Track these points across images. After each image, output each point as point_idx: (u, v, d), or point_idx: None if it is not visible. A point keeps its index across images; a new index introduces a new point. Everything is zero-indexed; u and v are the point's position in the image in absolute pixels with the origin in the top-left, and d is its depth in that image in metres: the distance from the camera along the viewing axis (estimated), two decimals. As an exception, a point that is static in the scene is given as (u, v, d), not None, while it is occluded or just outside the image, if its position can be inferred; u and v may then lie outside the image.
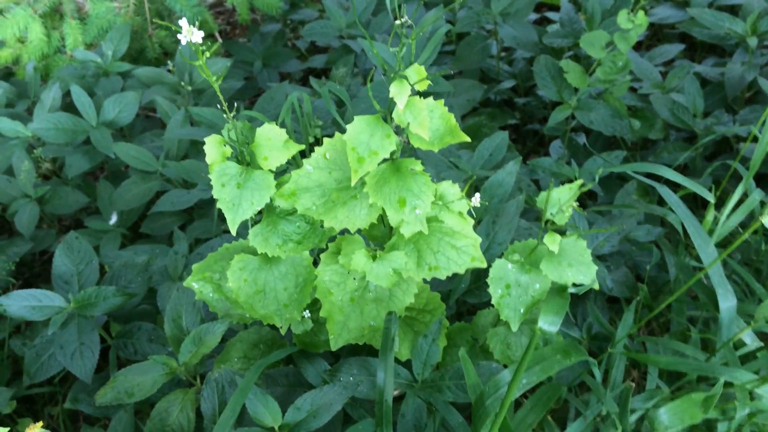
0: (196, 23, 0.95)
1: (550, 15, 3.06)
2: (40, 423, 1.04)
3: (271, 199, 1.09)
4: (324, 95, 1.47)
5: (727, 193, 1.66)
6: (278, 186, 1.09)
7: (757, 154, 1.20)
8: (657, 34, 3.07)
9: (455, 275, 1.47)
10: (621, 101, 2.17)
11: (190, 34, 0.89)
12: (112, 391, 1.43)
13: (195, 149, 2.43)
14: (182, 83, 2.59)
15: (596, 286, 1.12)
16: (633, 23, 2.13)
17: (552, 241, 1.07)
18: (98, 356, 1.63)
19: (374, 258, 1.10)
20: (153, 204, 2.54)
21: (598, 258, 1.57)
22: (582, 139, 2.41)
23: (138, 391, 1.42)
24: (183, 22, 0.90)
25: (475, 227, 1.50)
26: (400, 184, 1.01)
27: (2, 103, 2.68)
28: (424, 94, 2.22)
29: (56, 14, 3.15)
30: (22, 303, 1.64)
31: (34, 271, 2.66)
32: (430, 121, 1.02)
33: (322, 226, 1.14)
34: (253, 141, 1.06)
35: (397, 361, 1.33)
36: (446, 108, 1.04)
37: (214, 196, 1.03)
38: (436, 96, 2.19)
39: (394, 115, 0.95)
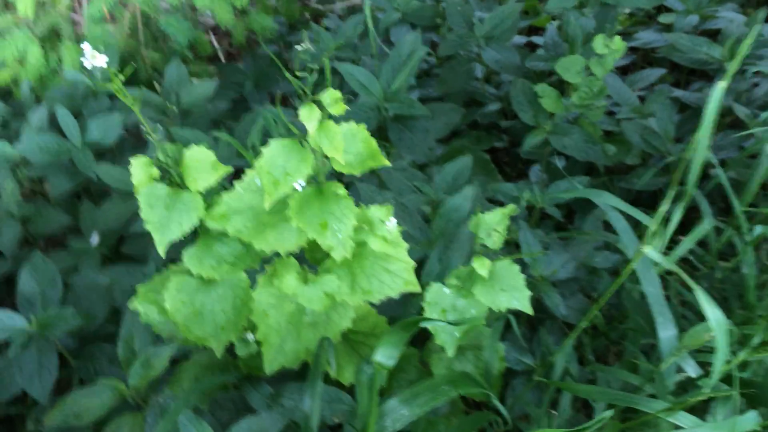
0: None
1: (538, 39, 3.07)
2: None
3: (203, 221, 1.09)
4: (267, 120, 1.46)
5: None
6: (210, 207, 1.09)
7: (691, 179, 1.18)
8: (647, 58, 3.06)
9: (409, 298, 1.46)
10: (596, 126, 2.15)
11: (93, 58, 0.90)
12: (61, 414, 1.42)
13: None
14: (168, 104, 2.62)
15: (530, 311, 1.11)
16: (609, 48, 2.12)
17: (481, 266, 1.06)
18: (56, 377, 1.63)
19: (306, 281, 1.10)
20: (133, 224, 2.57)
21: (553, 284, 1.55)
22: (562, 163, 2.40)
23: (87, 414, 1.42)
24: (86, 47, 0.91)
25: (429, 251, 1.50)
26: (323, 207, 1.01)
27: (-8, 125, 2.73)
28: (399, 119, 2.23)
29: (54, 36, 3.21)
30: (-17, 322, 1.65)
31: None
32: (351, 144, 1.02)
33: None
34: (182, 161, 1.07)
35: (341, 386, 1.32)
36: (367, 133, 1.04)
37: (142, 217, 1.04)
38: (412, 120, 2.19)
39: (308, 139, 0.95)
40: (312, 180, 1.03)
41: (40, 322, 1.65)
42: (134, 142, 2.97)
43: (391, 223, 1.10)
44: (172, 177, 1.07)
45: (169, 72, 2.75)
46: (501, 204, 2.04)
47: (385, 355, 0.96)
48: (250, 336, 1.29)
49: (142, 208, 1.04)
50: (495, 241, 1.09)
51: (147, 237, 2.34)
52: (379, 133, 2.41)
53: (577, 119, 2.28)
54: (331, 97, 0.96)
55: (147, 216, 1.04)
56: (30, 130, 2.57)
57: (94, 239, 2.43)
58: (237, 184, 1.10)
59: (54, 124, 2.67)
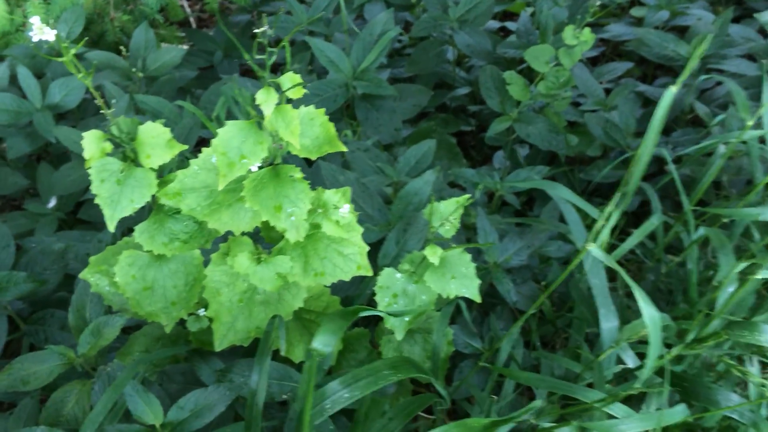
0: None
1: (509, 24, 3.07)
2: None
3: (156, 197, 1.09)
4: (232, 93, 1.45)
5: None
6: (164, 184, 1.08)
7: (636, 174, 1.21)
8: (616, 50, 3.09)
9: (362, 279, 1.47)
10: (561, 116, 2.18)
11: (41, 32, 0.88)
12: (8, 378, 1.42)
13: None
14: (134, 69, 2.57)
15: (477, 299, 1.13)
16: (578, 40, 2.14)
17: (432, 254, 1.08)
18: (5, 341, 1.62)
19: (259, 261, 1.10)
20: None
21: (506, 271, 1.58)
22: (525, 151, 2.43)
23: (34, 380, 1.41)
24: (35, 20, 0.89)
25: (386, 234, 1.51)
26: (278, 190, 1.01)
27: (-50, 80, 2.64)
28: (366, 97, 2.23)
29: (20, -8, 3.11)
30: (-69, 285, 1.62)
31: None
32: (309, 129, 1.02)
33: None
34: (137, 137, 1.06)
35: (291, 363, 1.33)
36: (326, 117, 1.04)
37: (92, 191, 1.03)
38: (380, 99, 2.19)
39: (265, 122, 0.95)
40: (269, 162, 1.03)
41: (-10, 286, 1.62)
42: (97, 105, 2.92)
43: (344, 209, 1.10)
44: (126, 152, 1.06)
45: (136, 36, 2.69)
46: (462, 189, 2.06)
47: (322, 342, 0.97)
48: (201, 311, 1.29)
49: (93, 182, 1.03)
50: (448, 230, 1.11)
51: (106, 204, 2.34)
52: (346, 111, 2.41)
53: (542, 108, 2.30)
54: (289, 79, 0.96)
55: (98, 190, 1.03)
56: (-11, 87, 2.50)
57: (52, 203, 2.40)
58: (192, 162, 1.09)
59: (15, 85, 2.60)
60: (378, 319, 1.49)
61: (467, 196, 1.11)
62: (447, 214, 1.09)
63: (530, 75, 2.69)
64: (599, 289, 1.19)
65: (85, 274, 1.30)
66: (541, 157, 2.34)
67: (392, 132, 2.16)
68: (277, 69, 3.50)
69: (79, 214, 2.36)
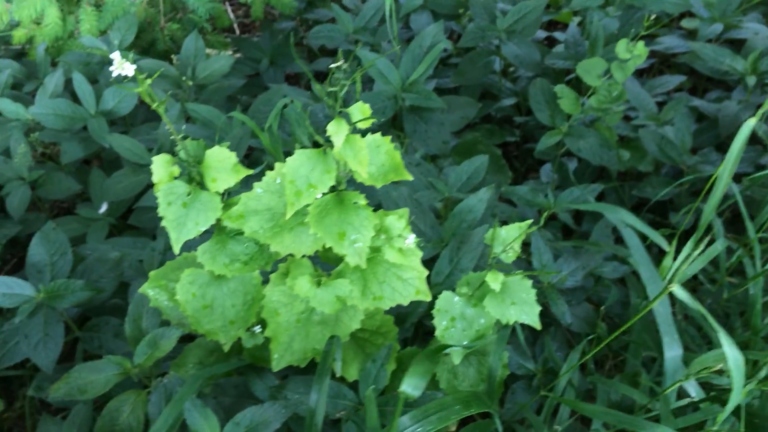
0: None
1: (558, 35, 3.04)
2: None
3: (220, 220, 1.10)
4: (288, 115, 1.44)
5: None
6: (228, 206, 1.09)
7: (713, 201, 1.18)
8: (666, 61, 3.04)
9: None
10: (612, 131, 2.15)
11: (120, 67, 0.90)
12: (66, 387, 1.45)
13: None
14: (183, 77, 2.61)
15: (538, 326, 1.12)
16: (632, 53, 2.11)
17: (494, 280, 1.07)
18: (62, 348, 1.65)
19: (319, 284, 1.11)
20: (143, 195, 2.57)
21: (560, 292, 1.56)
22: (573, 164, 2.40)
23: (91, 389, 1.44)
24: (115, 56, 0.90)
25: (440, 252, 1.50)
26: (342, 217, 1.01)
27: (8, 84, 2.72)
28: (415, 110, 2.22)
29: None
30: (-7, 289, 1.67)
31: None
32: (375, 156, 1.02)
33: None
34: (203, 160, 1.07)
35: (345, 382, 1.34)
36: (393, 145, 1.04)
37: (159, 214, 1.04)
38: (428, 111, 2.19)
39: (334, 151, 0.95)
40: (332, 188, 1.03)
41: (48, 292, 1.66)
42: (147, 112, 2.97)
43: (410, 239, 1.10)
44: (191, 174, 1.07)
45: (186, 44, 2.73)
46: (513, 204, 2.04)
47: (412, 386, 0.98)
48: (257, 327, 1.30)
49: (160, 205, 1.05)
50: (510, 256, 1.10)
51: (155, 209, 2.38)
52: (394, 123, 2.41)
53: (593, 122, 2.27)
54: (359, 110, 0.96)
55: (164, 213, 1.05)
56: (45, 94, 2.57)
57: (103, 208, 2.45)
58: (256, 185, 1.10)
59: (69, 90, 2.67)
60: (430, 336, 1.49)
61: (529, 221, 1.10)
62: (509, 239, 1.08)
63: (578, 86, 2.66)
64: (663, 317, 1.17)
65: (144, 289, 1.32)
66: (590, 171, 2.31)
67: (440, 145, 2.16)
68: (321, 77, 3.52)
69: (130, 219, 2.41)
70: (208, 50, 3.10)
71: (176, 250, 1.05)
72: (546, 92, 2.21)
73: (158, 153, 2.39)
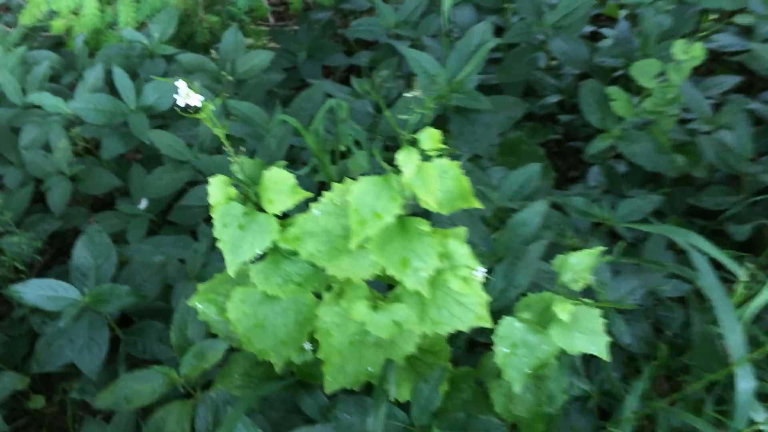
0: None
1: (606, 31, 2.93)
2: None
3: (275, 241, 1.06)
4: (344, 134, 1.39)
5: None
6: (284, 227, 1.06)
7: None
8: (717, 59, 2.92)
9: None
10: (667, 135, 2.07)
11: (186, 97, 0.85)
12: (112, 396, 1.44)
13: (229, 142, 2.43)
14: (223, 72, 2.58)
15: (606, 357, 1.07)
16: (688, 54, 2.02)
17: (562, 310, 1.02)
18: (106, 352, 1.65)
19: (375, 308, 1.07)
20: (184, 192, 2.56)
21: (618, 311, 1.50)
22: (622, 167, 2.32)
23: (137, 399, 1.43)
24: (180, 84, 0.86)
25: (493, 267, 1.46)
26: (405, 244, 0.97)
27: (47, 77, 2.71)
28: (461, 110, 2.17)
29: (112, -11, 3.17)
30: (38, 292, 1.66)
31: (67, 242, 2.71)
32: (442, 183, 0.97)
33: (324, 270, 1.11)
34: (260, 181, 1.04)
35: (396, 402, 1.30)
36: (460, 170, 0.99)
37: (215, 236, 1.01)
38: (475, 113, 2.13)
39: (404, 183, 0.91)
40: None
41: (93, 296, 1.66)
42: (185, 106, 2.94)
43: (479, 271, 1.05)
44: (248, 195, 1.04)
45: (226, 38, 2.70)
46: (561, 211, 1.98)
47: None
48: (307, 345, 1.27)
49: (216, 227, 1.02)
50: (579, 284, 1.05)
51: (195, 206, 2.36)
52: (438, 123, 2.35)
53: (645, 125, 2.19)
54: (430, 137, 0.91)
55: (220, 234, 1.01)
56: (84, 88, 2.55)
57: (143, 204, 2.44)
58: (313, 206, 1.06)
59: (108, 84, 2.65)
60: (480, 349, 1.44)
61: (600, 249, 1.04)
62: (579, 267, 1.03)
63: (628, 85, 2.57)
64: (736, 348, 1.11)
65: (193, 302, 1.30)
66: (640, 175, 2.23)
67: (486, 147, 2.10)
68: (363, 72, 3.46)
69: (170, 216, 2.39)
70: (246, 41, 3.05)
71: (231, 272, 1.02)
72: (597, 94, 2.14)
73: (199, 150, 2.39)
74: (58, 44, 3.30)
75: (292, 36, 3.12)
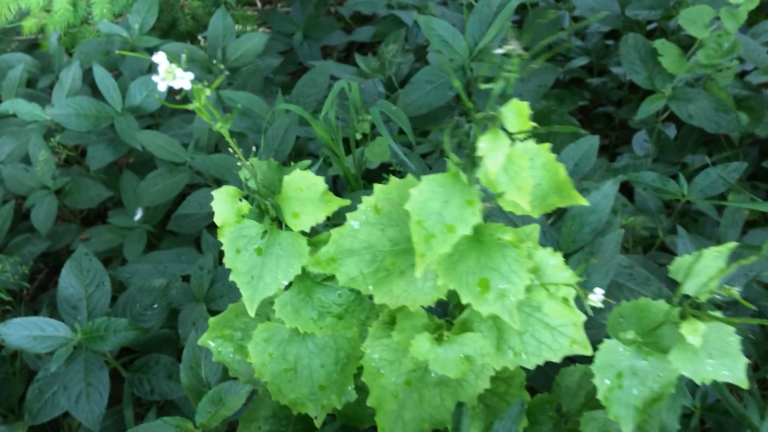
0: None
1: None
2: None
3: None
4: (376, 117, 1.11)
5: None
6: (313, 246, 0.81)
7: None
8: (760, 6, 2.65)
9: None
10: (726, 91, 1.81)
11: (170, 77, 0.60)
12: (119, 457, 1.20)
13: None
14: (214, 61, 2.31)
15: (744, 385, 0.83)
16: (745, -4, 1.76)
17: (693, 332, 0.78)
18: (107, 398, 1.41)
19: (440, 340, 0.83)
20: (182, 197, 2.31)
21: (716, 306, 1.26)
22: (671, 131, 2.07)
23: (149, 458, 1.19)
24: (160, 58, 0.61)
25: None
26: (483, 260, 0.73)
27: (22, 81, 2.45)
28: (485, 82, 1.91)
29: (83, -18, 2.90)
30: (23, 332, 1.42)
31: (61, 260, 2.47)
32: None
33: (371, 297, 0.86)
34: (279, 189, 0.79)
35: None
36: (552, 155, 0.74)
37: (226, 266, 0.76)
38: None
39: (480, 177, 0.66)
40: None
41: (86, 333, 1.42)
42: (175, 101, 2.68)
43: (599, 294, 0.80)
44: (264, 207, 0.79)
45: (213, 23, 2.42)
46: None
47: None
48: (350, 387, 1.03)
49: (227, 254, 0.77)
50: (705, 295, 0.81)
51: (197, 215, 2.11)
52: (458, 99, 2.09)
53: (697, 81, 1.93)
54: (515, 111, 0.66)
55: (232, 264, 0.77)
56: (62, 90, 2.29)
57: (138, 214, 2.19)
58: (350, 216, 0.81)
59: (88, 83, 2.39)
60: (554, 367, 1.20)
61: (732, 245, 0.80)
62: (711, 274, 0.79)
63: (668, 40, 2.31)
64: None
65: (204, 340, 1.05)
66: (693, 139, 1.97)
67: (520, 121, 1.83)
68: (363, 49, 3.19)
69: (169, 225, 2.15)
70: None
71: (251, 311, 0.77)
72: (641, 50, 1.87)
73: (195, 149, 2.13)
74: (33, 46, 3.04)
75: (284, 16, 2.85)
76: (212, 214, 2.07)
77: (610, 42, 2.62)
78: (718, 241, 1.46)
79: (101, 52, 2.50)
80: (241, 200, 0.76)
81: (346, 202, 0.80)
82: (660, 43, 1.81)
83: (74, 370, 1.40)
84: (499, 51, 0.63)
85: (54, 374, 1.46)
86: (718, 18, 1.79)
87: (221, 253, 1.96)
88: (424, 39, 2.61)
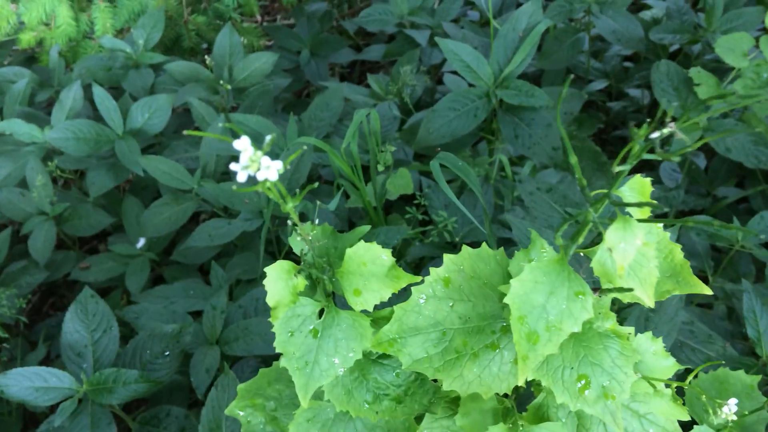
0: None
1: (651, 1, 2.59)
2: None
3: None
4: (436, 171, 0.99)
5: None
6: (373, 324, 0.71)
7: None
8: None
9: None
10: (765, 123, 1.73)
11: (254, 167, 0.49)
12: None
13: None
14: (221, 81, 2.21)
15: None
16: (785, 24, 1.69)
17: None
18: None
19: (513, 430, 0.73)
20: (186, 225, 2.20)
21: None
22: (701, 160, 1.99)
23: None
24: (243, 143, 0.51)
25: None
26: (582, 352, 0.63)
27: (25, 98, 2.33)
28: (512, 109, 1.82)
29: (85, -4, 2.79)
30: (25, 384, 1.31)
31: (55, 282, 2.35)
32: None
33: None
34: (334, 258, 0.69)
35: None
36: (666, 234, 0.65)
37: (277, 349, 0.66)
38: (530, 111, 1.78)
39: (594, 268, 0.56)
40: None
41: (93, 385, 1.31)
42: (178, 122, 2.57)
43: (731, 405, 0.71)
44: (320, 282, 0.69)
45: (219, 41, 2.33)
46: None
47: None
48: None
49: (279, 336, 0.67)
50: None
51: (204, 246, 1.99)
52: (486, 126, 2.00)
53: (731, 112, 1.86)
54: (637, 189, 0.57)
55: (284, 347, 0.67)
56: (62, 111, 2.18)
57: (140, 243, 2.09)
58: (415, 290, 0.72)
59: (88, 99, 2.28)
60: None
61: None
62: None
63: (685, 64, 2.25)
64: None
65: (232, 409, 0.95)
66: (725, 170, 1.90)
67: (549, 152, 1.75)
68: (373, 68, 3.10)
69: (174, 256, 2.04)
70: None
71: (305, 402, 0.67)
72: (674, 77, 1.79)
73: (202, 176, 2.03)
74: (30, 59, 2.93)
75: (289, 32, 2.75)
76: (222, 246, 1.97)
77: (628, 64, 2.55)
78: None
79: (103, 68, 2.40)
80: (296, 276, 0.66)
81: (416, 278, 0.70)
82: (696, 72, 1.73)
83: (80, 425, 1.29)
84: (655, 135, 0.53)
85: (58, 428, 1.34)
86: (756, 46, 1.72)
87: (232, 289, 1.87)
88: (439, 59, 2.53)
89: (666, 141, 1.80)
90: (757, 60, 1.72)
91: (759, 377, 0.88)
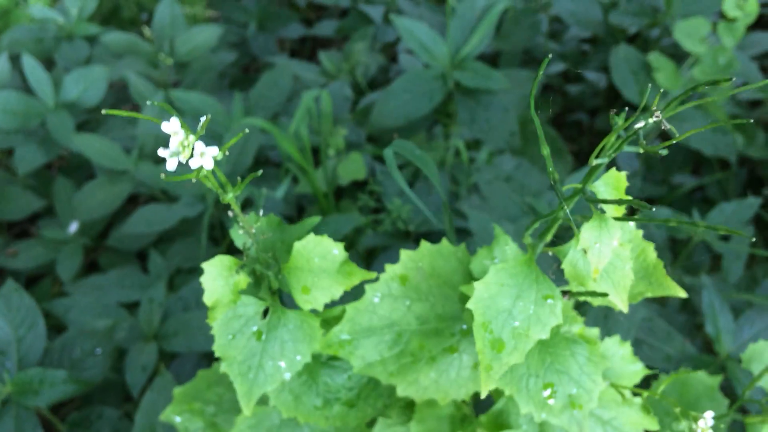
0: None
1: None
2: None
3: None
4: (390, 161, 0.91)
5: None
6: (324, 325, 0.64)
7: None
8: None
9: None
10: (723, 110, 1.72)
11: (184, 151, 0.41)
12: None
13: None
14: (161, 55, 2.08)
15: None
16: (742, 11, 1.67)
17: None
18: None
19: (474, 438, 0.67)
20: (124, 208, 2.08)
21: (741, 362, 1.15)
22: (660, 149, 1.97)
23: None
24: (173, 125, 0.42)
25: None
26: (547, 359, 0.57)
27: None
28: (469, 92, 1.75)
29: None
30: (-62, 383, 1.19)
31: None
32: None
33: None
34: (281, 252, 0.61)
35: None
36: (639, 232, 0.59)
37: (216, 353, 0.59)
38: (487, 94, 1.72)
39: (566, 269, 0.50)
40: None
41: (17, 386, 1.20)
42: (117, 97, 2.43)
43: (708, 419, 0.65)
44: (265, 279, 0.61)
45: (160, 12, 2.19)
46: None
47: None
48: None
49: (218, 340, 0.59)
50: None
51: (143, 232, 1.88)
52: (441, 109, 1.93)
53: (689, 99, 1.84)
54: (612, 184, 0.51)
55: (224, 351, 0.59)
56: (-13, 84, 2.02)
57: (73, 227, 1.95)
58: (368, 288, 0.64)
59: (18, 71, 2.12)
60: None
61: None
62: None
63: (645, 49, 2.23)
64: None
65: (168, 415, 0.86)
66: (681, 158, 1.88)
67: (505, 137, 1.70)
68: (325, 45, 3.00)
69: (109, 240, 1.92)
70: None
71: (247, 411, 0.60)
72: (633, 63, 1.76)
73: (140, 156, 1.91)
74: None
75: (235, 4, 2.61)
76: (161, 232, 1.86)
77: (586, 48, 2.52)
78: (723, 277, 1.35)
79: (33, 40, 2.23)
80: (238, 272, 0.58)
81: (371, 275, 0.63)
82: (655, 57, 1.70)
83: (4, 429, 1.18)
84: (639, 125, 0.47)
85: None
86: (713, 32, 1.70)
87: (172, 279, 1.76)
88: (394, 37, 2.45)
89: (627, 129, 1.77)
90: (716, 47, 1.70)
91: (720, 377, 0.85)
